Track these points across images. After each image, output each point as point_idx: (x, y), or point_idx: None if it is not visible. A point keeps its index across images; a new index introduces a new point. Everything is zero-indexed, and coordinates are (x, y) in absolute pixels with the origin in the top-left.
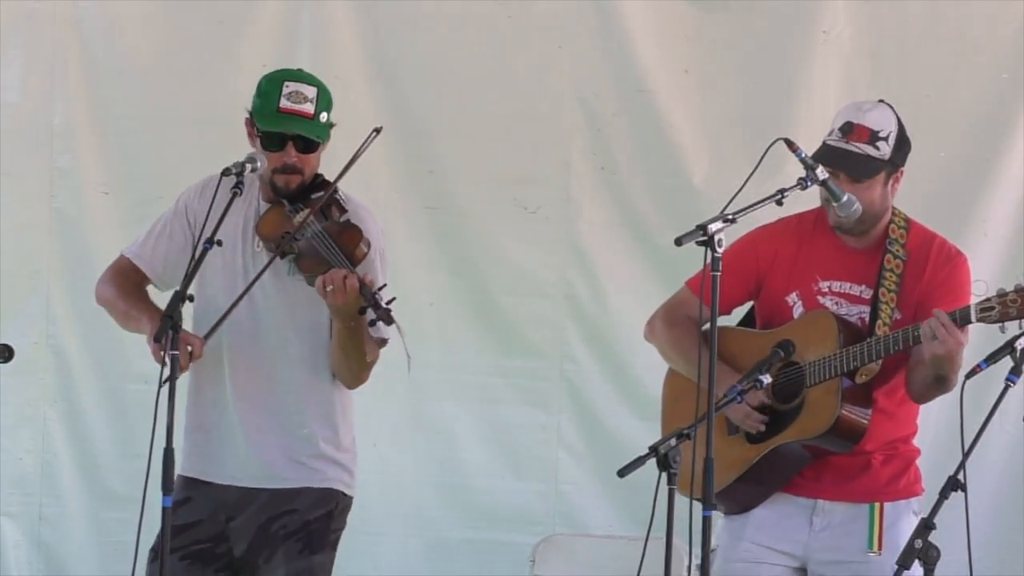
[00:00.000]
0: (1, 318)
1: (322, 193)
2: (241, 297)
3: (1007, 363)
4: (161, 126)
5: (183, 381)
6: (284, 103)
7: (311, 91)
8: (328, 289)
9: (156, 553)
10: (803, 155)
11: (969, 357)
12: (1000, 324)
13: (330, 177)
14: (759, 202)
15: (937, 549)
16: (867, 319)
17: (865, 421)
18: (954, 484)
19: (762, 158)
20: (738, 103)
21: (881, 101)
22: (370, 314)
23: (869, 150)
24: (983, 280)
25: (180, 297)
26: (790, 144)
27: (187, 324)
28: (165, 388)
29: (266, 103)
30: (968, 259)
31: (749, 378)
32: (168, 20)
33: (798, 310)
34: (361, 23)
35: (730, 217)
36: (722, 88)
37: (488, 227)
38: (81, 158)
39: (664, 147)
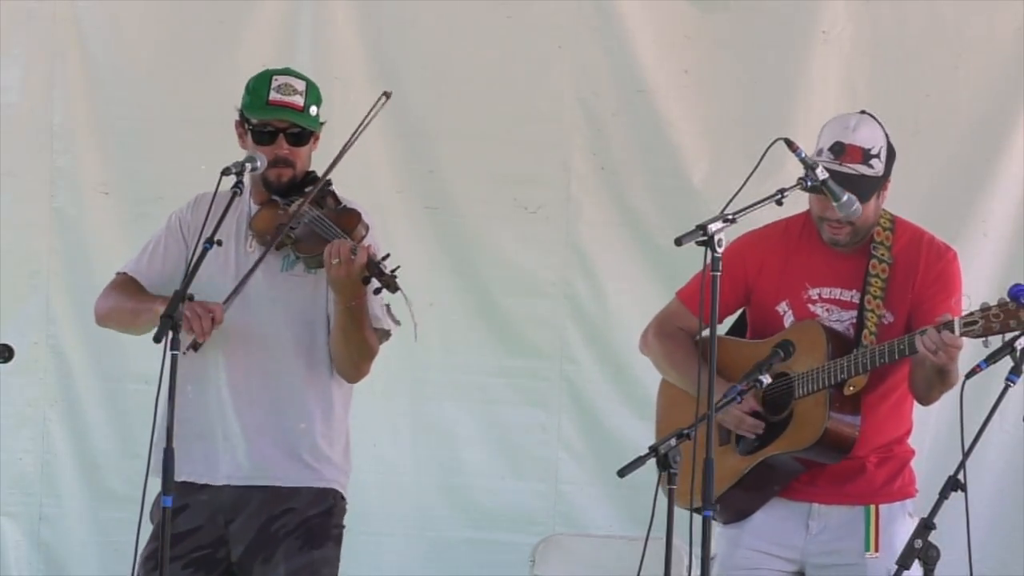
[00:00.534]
0: (1, 318)
1: (315, 185)
2: (248, 275)
3: (1007, 363)
4: (161, 126)
5: (180, 383)
6: (274, 95)
7: (300, 84)
8: (334, 261)
9: (155, 561)
10: (803, 155)
11: (968, 357)
12: (983, 339)
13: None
14: (759, 202)
15: (937, 549)
16: (856, 320)
17: (854, 432)
18: (954, 484)
19: (762, 158)
20: (738, 103)
21: (864, 113)
22: (374, 284)
23: (864, 170)
24: (967, 295)
25: (180, 297)
26: (790, 144)
27: None
28: (165, 388)
29: (256, 97)
30: (957, 253)
31: (749, 378)
32: (168, 20)
33: (788, 319)
34: (361, 23)
35: (730, 217)
36: (722, 88)
37: (488, 227)
38: (81, 158)
39: (664, 147)
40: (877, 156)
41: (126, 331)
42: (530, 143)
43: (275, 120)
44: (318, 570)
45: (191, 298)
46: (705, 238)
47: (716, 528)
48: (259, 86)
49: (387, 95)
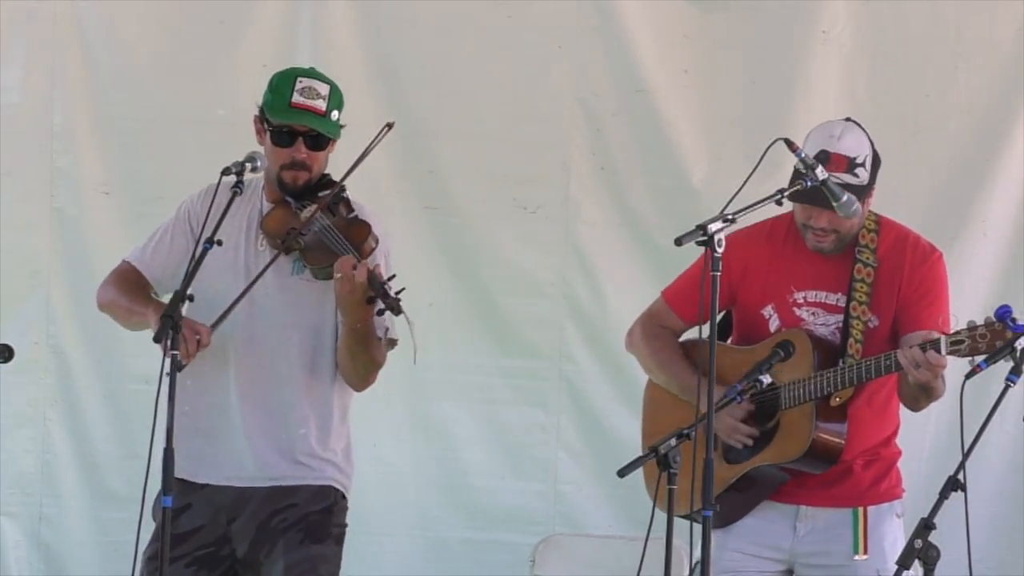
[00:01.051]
0: (1, 318)
1: (330, 191)
2: (246, 291)
3: (1007, 363)
4: (161, 126)
5: (181, 380)
6: (297, 98)
7: (324, 88)
8: (337, 276)
9: (157, 561)
10: (803, 155)
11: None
12: (970, 358)
13: (336, 175)
14: (759, 202)
15: (937, 549)
16: (842, 327)
17: (840, 442)
18: (954, 484)
19: (762, 158)
20: (737, 103)
21: (849, 120)
22: (378, 305)
23: (848, 179)
24: (954, 315)
25: (180, 297)
26: (790, 144)
27: None
28: (165, 388)
29: (278, 97)
30: (943, 255)
31: (749, 378)
32: (168, 20)
33: (774, 323)
34: (361, 23)
35: (730, 217)
36: (721, 88)
37: (488, 227)
38: (81, 158)
39: (663, 147)
40: (862, 165)
41: (122, 325)
42: (530, 143)
43: (296, 123)
44: (316, 566)
45: (191, 298)
46: (705, 238)
47: (700, 530)
48: (283, 85)
49: (389, 126)
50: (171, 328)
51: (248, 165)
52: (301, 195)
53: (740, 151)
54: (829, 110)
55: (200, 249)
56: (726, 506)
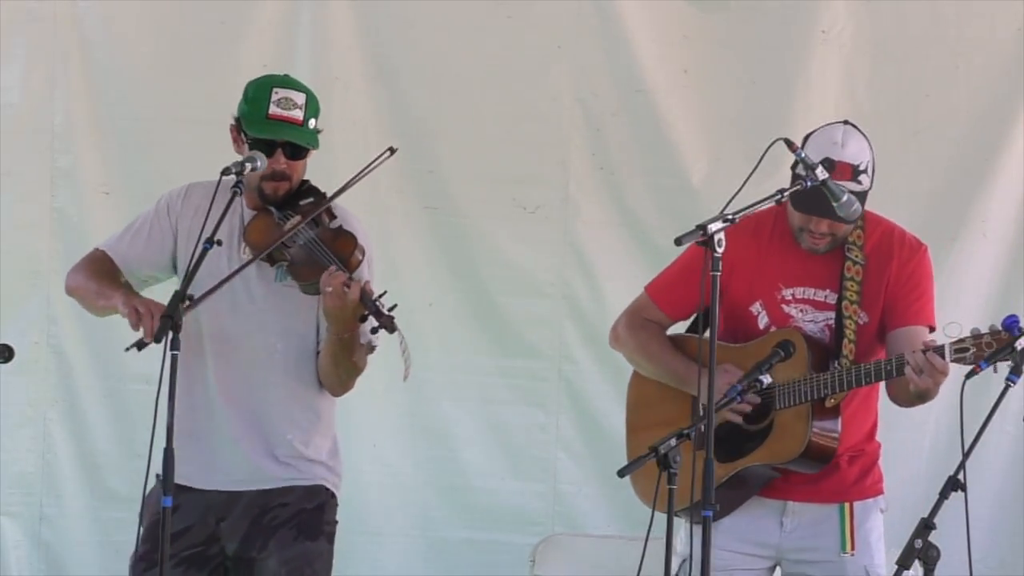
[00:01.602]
0: (1, 318)
1: (311, 199)
2: (227, 280)
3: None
4: (161, 126)
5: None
6: (274, 109)
7: (300, 97)
8: (328, 291)
9: (146, 562)
10: (803, 155)
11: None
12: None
13: (326, 176)
14: (759, 202)
15: (937, 549)
16: (834, 326)
17: (835, 443)
18: (954, 484)
19: (762, 158)
20: (737, 103)
21: (847, 123)
22: (371, 322)
23: (853, 186)
24: (956, 322)
25: (180, 297)
26: (790, 144)
27: None
28: (165, 388)
29: (255, 109)
30: (928, 249)
31: (749, 378)
32: (168, 20)
33: (763, 320)
34: (361, 23)
35: (730, 217)
36: (721, 88)
37: (487, 227)
38: (81, 158)
39: (663, 147)
40: (865, 171)
41: (88, 310)
42: (529, 143)
43: (274, 136)
44: (311, 561)
45: (191, 298)
46: (705, 238)
47: (689, 528)
48: (259, 96)
49: (392, 151)
50: (171, 328)
51: (248, 165)
52: (283, 203)
53: (740, 151)
54: (829, 110)
55: (200, 249)
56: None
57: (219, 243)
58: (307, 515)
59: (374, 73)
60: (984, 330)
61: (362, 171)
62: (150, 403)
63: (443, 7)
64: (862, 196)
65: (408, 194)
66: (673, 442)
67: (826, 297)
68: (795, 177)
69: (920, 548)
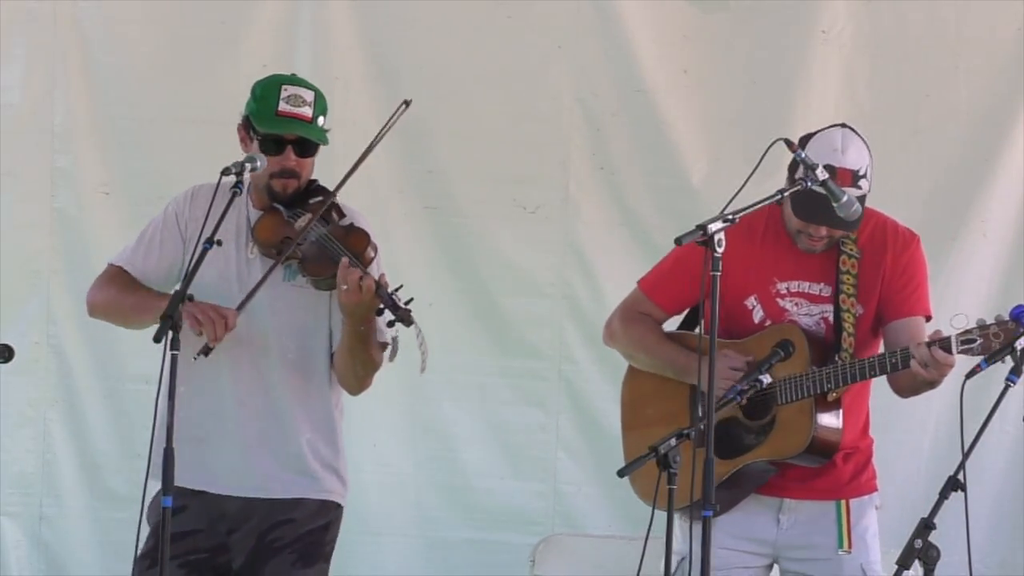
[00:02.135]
0: (1, 318)
1: (320, 198)
2: (259, 285)
3: (1007, 363)
4: (161, 126)
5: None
6: (283, 106)
7: (309, 95)
8: (343, 288)
9: (151, 559)
10: (803, 155)
11: (963, 362)
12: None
13: (331, 173)
14: (759, 202)
15: (937, 549)
16: (830, 319)
17: (837, 437)
18: (954, 484)
19: (762, 158)
20: (737, 103)
21: (845, 127)
22: (388, 315)
23: (853, 192)
24: (963, 313)
25: (180, 297)
26: (790, 144)
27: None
28: (165, 389)
29: (264, 106)
30: (920, 239)
31: (749, 378)
32: (168, 20)
33: (758, 314)
34: (361, 23)
35: (730, 217)
36: (721, 88)
37: (487, 227)
38: (81, 158)
39: (663, 147)
40: (864, 176)
41: (121, 325)
42: (529, 143)
43: (284, 132)
44: None
45: (191, 298)
46: (705, 238)
47: (686, 526)
48: (268, 94)
49: (407, 103)
50: (171, 328)
51: (248, 165)
52: (291, 202)
53: (740, 151)
54: (829, 110)
55: (200, 249)
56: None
57: (219, 243)
58: (311, 537)
59: (374, 73)
60: (991, 320)
61: (381, 131)
62: (150, 403)
63: (443, 7)
64: (861, 200)
65: (408, 194)
66: (673, 442)
67: (820, 290)
68: (793, 181)
69: (920, 548)
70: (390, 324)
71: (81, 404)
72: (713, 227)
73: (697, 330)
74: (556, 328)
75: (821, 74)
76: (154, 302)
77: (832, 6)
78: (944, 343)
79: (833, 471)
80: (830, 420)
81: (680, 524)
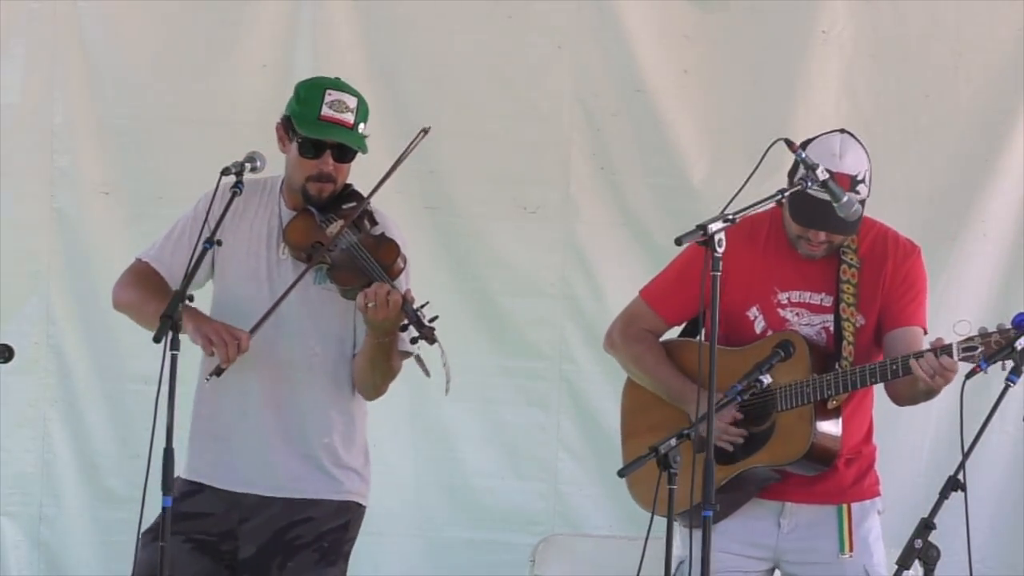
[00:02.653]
0: (1, 318)
1: (354, 204)
2: (281, 299)
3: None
4: (161, 126)
5: (188, 388)
6: (326, 111)
7: (352, 101)
8: (370, 305)
9: (154, 534)
10: (803, 155)
11: (963, 364)
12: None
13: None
14: (759, 202)
15: (937, 549)
16: (831, 329)
17: (837, 444)
18: (954, 484)
19: (762, 158)
20: (738, 103)
21: (844, 132)
22: (411, 332)
23: (851, 197)
24: (965, 320)
25: (180, 297)
26: (790, 144)
27: None
28: (165, 389)
29: (308, 110)
30: (922, 251)
31: (749, 378)
32: (168, 20)
33: (759, 324)
34: (361, 23)
35: (730, 217)
36: (722, 88)
37: (488, 227)
38: (81, 158)
39: (663, 147)
40: (863, 181)
41: (139, 324)
42: (529, 143)
43: (325, 137)
44: None
45: (191, 298)
46: (705, 238)
47: (686, 532)
48: (312, 97)
49: (424, 131)
50: (171, 328)
51: (248, 165)
52: (325, 206)
53: (740, 151)
54: (829, 110)
55: (200, 249)
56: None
57: (219, 243)
58: (331, 536)
59: (374, 73)
60: (992, 328)
61: (400, 158)
62: (150, 403)
63: (443, 7)
64: (862, 204)
65: (408, 194)
66: (673, 442)
67: (822, 300)
68: (791, 176)
69: (920, 548)
70: (413, 341)
71: (81, 404)
72: (713, 227)
73: (698, 337)
74: (557, 328)
75: (821, 74)
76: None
77: (832, 6)
78: (946, 350)
79: (835, 475)
80: (829, 428)
81: (680, 529)
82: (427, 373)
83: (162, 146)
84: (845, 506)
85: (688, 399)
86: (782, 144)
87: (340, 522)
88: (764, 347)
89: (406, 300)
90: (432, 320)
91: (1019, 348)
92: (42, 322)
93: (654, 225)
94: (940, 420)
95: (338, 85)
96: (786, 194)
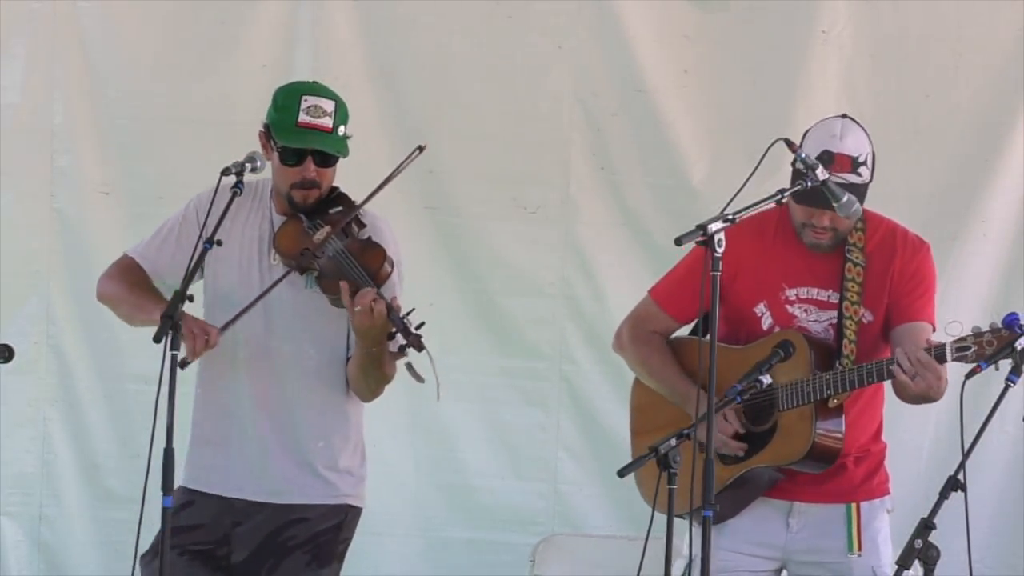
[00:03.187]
0: (1, 318)
1: (340, 208)
2: (257, 300)
3: (1007, 363)
4: (161, 126)
5: (188, 388)
6: (303, 117)
7: (329, 105)
8: (356, 310)
9: (152, 552)
10: (803, 155)
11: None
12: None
13: (354, 188)
14: (759, 202)
15: (937, 549)
16: (837, 327)
17: (839, 443)
18: (954, 484)
19: (762, 158)
20: (738, 103)
21: (845, 117)
22: (399, 339)
23: (853, 179)
24: (957, 321)
25: (180, 297)
26: (790, 144)
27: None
28: (165, 388)
29: (284, 117)
30: (931, 247)
31: (749, 378)
32: (168, 20)
33: (767, 321)
34: (361, 23)
35: (730, 217)
36: (722, 88)
37: (488, 227)
38: (81, 158)
39: (663, 147)
40: (865, 164)
41: (120, 318)
42: (529, 143)
43: (303, 144)
44: None
45: (191, 298)
46: (705, 238)
47: (694, 530)
48: (288, 104)
49: (420, 149)
50: (171, 328)
51: (248, 165)
52: (312, 211)
53: (740, 151)
54: (829, 110)
55: (200, 249)
56: (720, 505)
57: (219, 243)
58: (324, 537)
59: (374, 73)
60: (985, 328)
61: (392, 173)
62: (150, 403)
63: (443, 7)
64: (863, 188)
65: (408, 194)
66: (673, 442)
67: (829, 296)
68: (795, 174)
69: (920, 548)
70: (401, 349)
71: (81, 404)
72: (713, 227)
73: (699, 335)
74: (557, 328)
75: (821, 74)
76: (153, 308)
77: (832, 6)
78: (939, 350)
79: (844, 474)
80: (831, 426)
81: (687, 528)
82: (420, 379)
83: (162, 146)
84: (854, 505)
85: (690, 401)
86: (782, 144)
87: (334, 523)
88: (764, 347)
89: (391, 308)
90: (419, 327)
91: (1019, 348)
92: (42, 322)
93: (654, 225)
94: (940, 420)
95: (314, 89)
96: (786, 194)
